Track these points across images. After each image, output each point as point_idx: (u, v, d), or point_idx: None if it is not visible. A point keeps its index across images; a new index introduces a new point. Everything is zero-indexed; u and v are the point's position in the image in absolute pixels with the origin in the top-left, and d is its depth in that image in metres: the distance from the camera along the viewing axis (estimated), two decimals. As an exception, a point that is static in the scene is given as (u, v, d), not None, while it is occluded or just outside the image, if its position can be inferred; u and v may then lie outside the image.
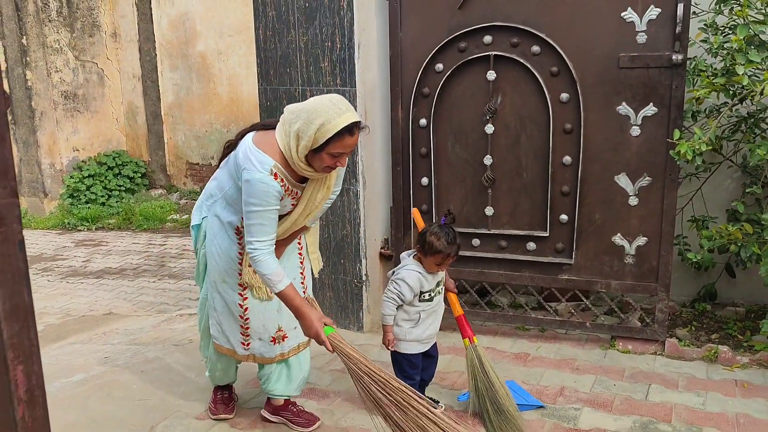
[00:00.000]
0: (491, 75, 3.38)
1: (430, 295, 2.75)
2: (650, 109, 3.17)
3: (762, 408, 2.80)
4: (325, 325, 2.43)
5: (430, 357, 2.89)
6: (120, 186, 8.73)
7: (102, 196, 8.51)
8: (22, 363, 0.95)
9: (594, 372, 3.20)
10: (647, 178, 3.24)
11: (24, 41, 8.18)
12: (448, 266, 2.79)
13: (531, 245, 3.51)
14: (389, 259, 3.80)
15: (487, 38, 3.37)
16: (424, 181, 3.63)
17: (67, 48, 8.56)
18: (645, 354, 3.38)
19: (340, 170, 2.62)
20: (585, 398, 2.93)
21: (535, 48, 3.30)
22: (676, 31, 3.04)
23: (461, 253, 3.58)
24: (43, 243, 7.42)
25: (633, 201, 3.28)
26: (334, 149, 2.35)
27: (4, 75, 8.32)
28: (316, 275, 2.93)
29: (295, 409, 2.86)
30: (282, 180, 2.43)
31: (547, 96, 3.29)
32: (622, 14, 3.13)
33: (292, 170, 2.45)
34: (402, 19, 3.51)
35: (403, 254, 2.83)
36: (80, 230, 7.95)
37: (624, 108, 3.21)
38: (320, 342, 2.42)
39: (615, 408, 2.84)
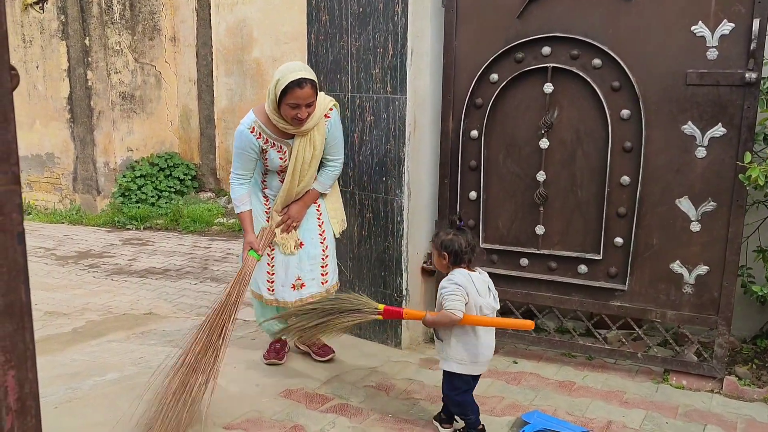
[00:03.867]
0: (548, 87, 3.23)
1: None
2: (718, 130, 2.97)
3: (831, 460, 2.56)
4: (252, 249, 3.14)
5: None
6: (170, 187, 8.83)
7: (152, 197, 8.62)
8: (14, 368, 0.86)
9: (644, 407, 2.99)
10: (712, 203, 3.03)
11: (87, 42, 8.38)
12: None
13: (582, 268, 3.33)
14: (431, 274, 3.67)
15: (546, 49, 3.23)
16: (473, 195, 3.50)
17: (127, 50, 8.74)
18: (701, 391, 3.16)
19: (329, 137, 3.17)
20: (634, 435, 2.74)
21: (596, 61, 3.14)
22: (751, 48, 2.84)
23: (508, 272, 3.45)
24: (93, 240, 7.54)
25: (695, 227, 3.08)
26: (289, 100, 2.94)
27: (66, 74, 8.55)
28: (338, 235, 3.44)
29: (317, 341, 3.45)
30: (260, 134, 3.09)
31: (607, 112, 3.13)
32: (692, 28, 2.95)
33: (274, 127, 3.09)
34: (457, 27, 3.40)
35: None
36: (129, 229, 8.06)
37: (690, 127, 3.02)
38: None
39: (667, 448, 2.64)
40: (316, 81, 3.02)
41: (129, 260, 6.61)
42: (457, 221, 2.62)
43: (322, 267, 3.31)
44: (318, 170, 3.28)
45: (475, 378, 2.66)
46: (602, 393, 3.14)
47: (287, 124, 3.05)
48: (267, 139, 3.11)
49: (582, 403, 3.03)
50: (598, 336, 3.43)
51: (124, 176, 8.61)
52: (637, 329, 3.34)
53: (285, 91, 2.93)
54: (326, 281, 3.32)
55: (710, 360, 3.18)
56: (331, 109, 3.17)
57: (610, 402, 3.04)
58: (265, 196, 3.29)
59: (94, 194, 8.67)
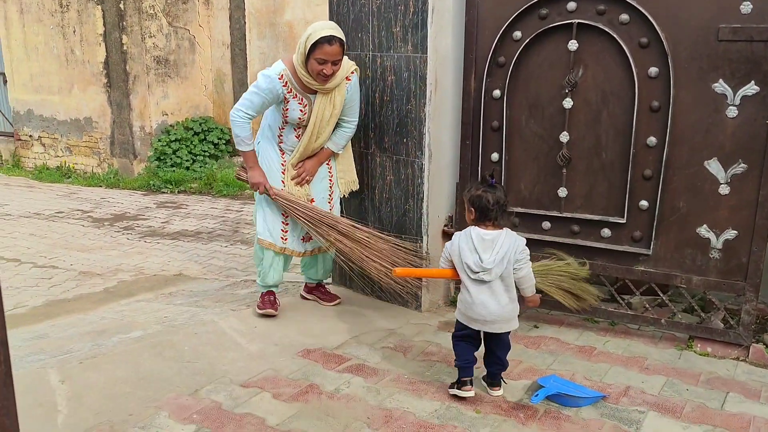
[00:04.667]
0: (573, 45, 3.12)
1: None
2: (751, 88, 2.83)
3: None
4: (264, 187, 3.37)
5: None
6: (204, 151, 8.91)
7: (187, 161, 8.72)
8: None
9: (665, 373, 2.93)
10: (742, 164, 2.91)
11: (121, 6, 8.43)
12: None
13: (606, 232, 3.25)
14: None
15: (571, 5, 3.10)
16: (494, 156, 3.43)
17: (161, 14, 8.77)
18: (726, 359, 3.08)
19: (348, 99, 3.35)
20: (652, 401, 2.68)
21: (624, 16, 3.01)
22: (788, 0, 2.69)
23: (530, 236, 3.38)
24: (128, 203, 7.68)
25: (724, 189, 2.96)
26: (317, 55, 3.11)
27: (102, 38, 8.63)
28: (346, 195, 3.67)
29: (323, 290, 3.81)
30: (286, 83, 3.24)
31: (634, 70, 3.01)
32: (726, -20, 2.80)
33: (299, 80, 3.25)
34: (480, -18, 3.30)
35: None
36: (163, 192, 8.19)
37: (721, 86, 2.89)
38: (262, 190, 3.38)
39: (685, 415, 2.58)
40: (345, 42, 3.20)
41: (162, 223, 6.73)
42: (489, 177, 2.59)
43: None
44: (333, 131, 3.46)
45: (477, 333, 2.65)
46: (623, 359, 3.08)
47: (312, 80, 3.22)
48: (291, 89, 3.28)
49: (601, 368, 2.98)
50: (621, 301, 3.37)
51: (159, 140, 8.72)
52: (661, 295, 3.25)
53: (314, 46, 3.11)
54: None
55: (737, 327, 3.09)
56: (352, 72, 3.35)
57: (630, 368, 2.99)
58: (281, 150, 3.47)
59: (131, 158, 8.81)
